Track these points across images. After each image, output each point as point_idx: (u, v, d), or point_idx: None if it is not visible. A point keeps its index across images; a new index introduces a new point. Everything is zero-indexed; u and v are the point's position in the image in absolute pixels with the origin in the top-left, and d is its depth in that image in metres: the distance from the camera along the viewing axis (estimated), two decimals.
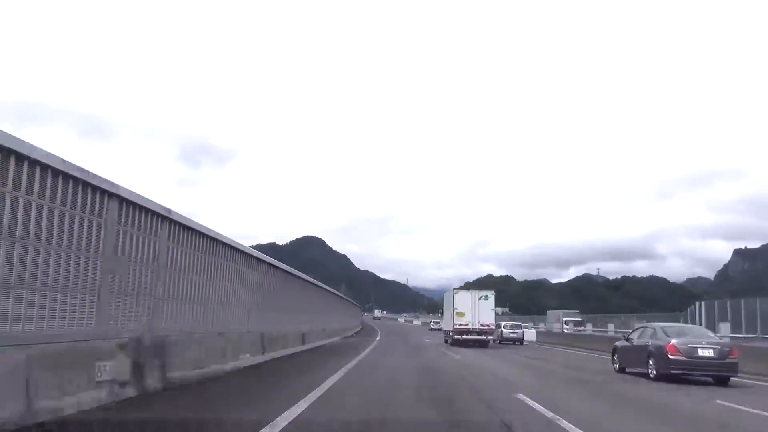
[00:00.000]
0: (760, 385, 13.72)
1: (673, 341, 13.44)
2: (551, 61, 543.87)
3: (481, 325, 28.51)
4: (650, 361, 13.98)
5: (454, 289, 30.62)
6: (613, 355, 16.92)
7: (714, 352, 13.16)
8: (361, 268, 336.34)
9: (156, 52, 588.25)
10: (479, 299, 28.90)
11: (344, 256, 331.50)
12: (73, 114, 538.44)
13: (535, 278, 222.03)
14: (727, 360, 13.16)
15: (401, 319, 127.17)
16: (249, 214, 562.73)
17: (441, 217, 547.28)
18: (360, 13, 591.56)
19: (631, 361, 15.40)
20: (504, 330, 36.16)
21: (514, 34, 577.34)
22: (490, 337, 29.52)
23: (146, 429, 5.74)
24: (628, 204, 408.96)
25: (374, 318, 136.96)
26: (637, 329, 16.86)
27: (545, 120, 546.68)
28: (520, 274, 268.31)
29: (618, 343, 16.88)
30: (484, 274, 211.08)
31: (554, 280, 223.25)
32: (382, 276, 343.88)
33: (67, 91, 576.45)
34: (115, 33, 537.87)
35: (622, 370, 15.83)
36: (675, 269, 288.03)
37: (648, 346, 14.35)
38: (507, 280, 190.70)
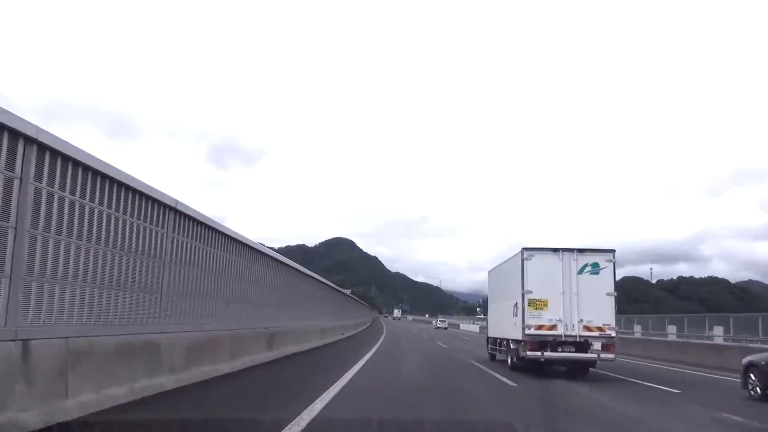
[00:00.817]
0: None
1: None
2: (587, 59, 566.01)
3: (587, 329, 13.78)
4: None
5: (524, 249, 14.34)
6: (746, 376, 11.45)
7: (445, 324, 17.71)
8: (392, 271, 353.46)
9: (187, 54, 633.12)
10: (580, 272, 14.09)
11: (375, 258, 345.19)
12: (99, 111, 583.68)
13: None
14: None
15: (439, 323, 77.26)
16: (277, 216, 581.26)
17: (474, 220, 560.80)
18: (394, 13, 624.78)
19: None
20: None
21: (551, 34, 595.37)
22: (606, 356, 13.86)
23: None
24: (669, 204, 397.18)
25: (393, 318, 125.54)
26: None
27: (583, 119, 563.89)
28: None
29: (755, 359, 11.32)
30: None
31: None
32: (414, 279, 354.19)
33: (94, 90, 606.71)
34: (147, 36, 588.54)
35: (764, 398, 10.79)
36: (720, 272, 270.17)
37: None
38: None
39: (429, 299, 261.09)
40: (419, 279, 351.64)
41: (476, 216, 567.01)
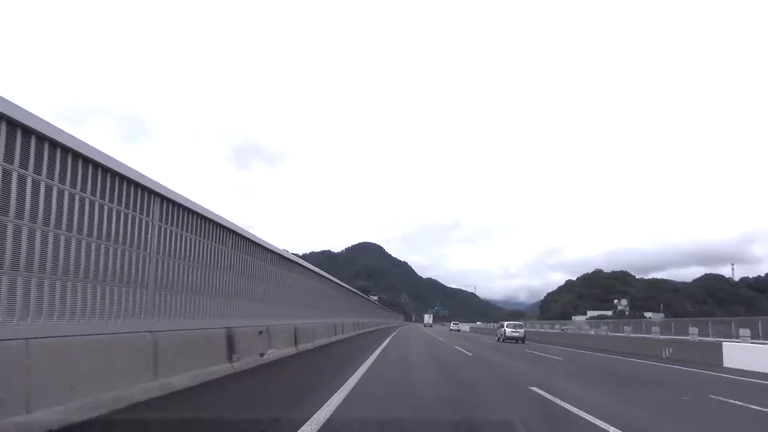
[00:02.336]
0: None
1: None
2: (625, 58, 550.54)
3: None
4: None
5: None
6: None
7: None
8: (424, 277, 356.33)
9: (210, 54, 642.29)
10: None
11: (405, 264, 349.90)
12: (115, 113, 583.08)
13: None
14: None
15: (452, 326, 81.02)
16: (302, 221, 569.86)
17: (508, 224, 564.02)
18: (427, 11, 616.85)
19: None
20: (507, 329, 39.09)
21: (591, 38, 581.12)
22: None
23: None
24: (716, 202, 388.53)
25: (425, 325, 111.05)
26: None
27: (615, 117, 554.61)
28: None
29: None
30: (554, 285, 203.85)
31: None
32: (448, 285, 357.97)
33: (110, 91, 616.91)
34: (170, 39, 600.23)
35: None
36: None
37: None
38: (623, 276, 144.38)
39: (463, 306, 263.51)
40: (453, 285, 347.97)
41: (510, 220, 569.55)
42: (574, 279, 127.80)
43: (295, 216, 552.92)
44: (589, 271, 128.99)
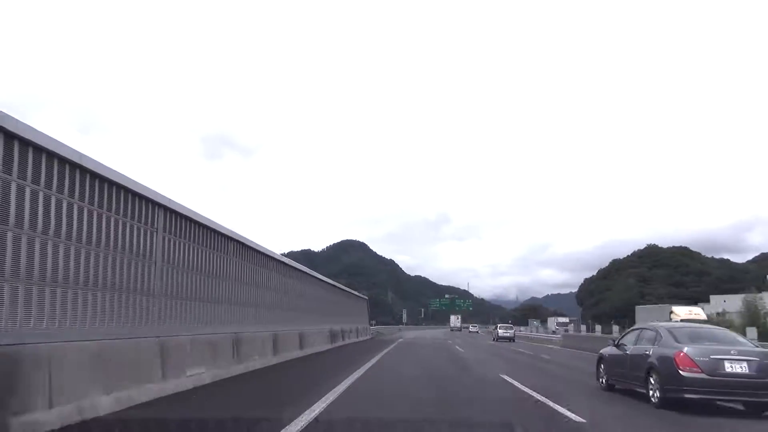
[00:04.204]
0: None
1: (687, 349, 10.12)
2: (609, 52, 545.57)
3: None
4: (651, 379, 10.63)
5: None
6: (598, 366, 13.58)
7: (749, 367, 9.80)
8: (412, 275, 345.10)
9: (184, 46, 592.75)
10: None
11: (391, 262, 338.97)
12: (70, 104, 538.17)
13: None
14: None
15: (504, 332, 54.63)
16: (278, 219, 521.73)
17: (496, 221, 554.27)
18: (408, 4, 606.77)
19: (623, 376, 12.18)
20: (499, 331, 50.23)
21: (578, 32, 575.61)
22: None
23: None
24: (708, 191, 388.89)
25: (452, 329, 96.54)
26: (632, 330, 13.24)
27: (603, 110, 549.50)
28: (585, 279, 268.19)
29: (605, 350, 13.46)
30: (543, 282, 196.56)
31: None
32: (438, 283, 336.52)
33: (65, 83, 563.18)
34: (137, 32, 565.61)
35: (609, 388, 12.71)
36: None
37: (648, 356, 10.96)
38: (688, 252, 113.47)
39: (455, 305, 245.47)
40: (443, 283, 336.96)
41: (499, 215, 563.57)
42: (623, 258, 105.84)
43: (272, 214, 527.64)
44: (640, 247, 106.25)
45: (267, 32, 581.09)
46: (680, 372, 9.87)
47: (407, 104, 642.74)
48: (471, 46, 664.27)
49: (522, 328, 76.23)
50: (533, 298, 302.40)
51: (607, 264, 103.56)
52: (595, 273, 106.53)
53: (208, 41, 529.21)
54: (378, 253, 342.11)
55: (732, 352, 10.00)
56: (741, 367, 9.73)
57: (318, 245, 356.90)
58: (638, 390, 11.20)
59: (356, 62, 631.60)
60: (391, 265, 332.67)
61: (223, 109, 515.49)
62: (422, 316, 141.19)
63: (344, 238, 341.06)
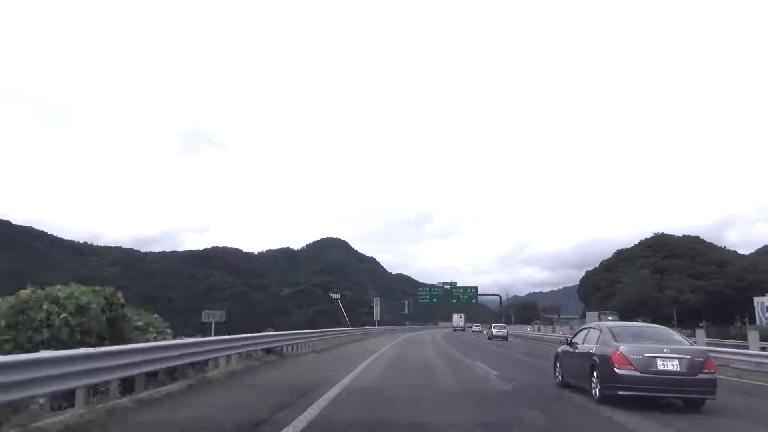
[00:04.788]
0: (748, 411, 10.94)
1: (623, 348, 10.64)
2: (594, 52, 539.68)
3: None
4: (593, 376, 11.15)
5: None
6: (554, 363, 14.28)
7: (680, 365, 10.36)
8: (393, 273, 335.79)
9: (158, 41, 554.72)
10: None
11: (373, 260, 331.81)
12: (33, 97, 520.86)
13: None
14: (700, 376, 10.31)
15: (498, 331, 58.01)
16: (257, 218, 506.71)
17: (478, 218, 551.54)
18: (392, 3, 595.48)
19: (574, 373, 12.59)
20: (494, 330, 55.98)
21: (556, 27, 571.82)
22: None
23: None
24: (689, 189, 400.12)
25: (455, 329, 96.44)
26: (582, 330, 13.55)
27: (585, 110, 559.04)
28: (567, 277, 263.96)
29: (560, 349, 14.05)
30: (524, 280, 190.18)
31: None
32: (420, 281, 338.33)
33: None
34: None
35: (566, 385, 13.12)
36: None
37: (591, 354, 11.43)
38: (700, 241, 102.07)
39: (438, 304, 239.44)
40: (425, 281, 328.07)
41: (480, 214, 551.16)
42: (629, 248, 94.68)
43: (252, 211, 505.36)
44: (647, 236, 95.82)
45: (246, 24, 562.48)
46: (615, 369, 10.41)
47: (390, 102, 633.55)
48: (453, 44, 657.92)
49: (527, 328, 78.11)
50: (515, 297, 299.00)
51: (611, 255, 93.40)
52: (597, 265, 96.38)
53: (185, 32, 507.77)
54: (359, 251, 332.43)
55: (665, 350, 10.46)
56: (672, 365, 10.25)
57: (298, 243, 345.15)
58: (585, 387, 11.58)
59: (339, 56, 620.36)
60: (372, 264, 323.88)
61: (200, 102, 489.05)
62: (405, 311, 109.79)
63: (325, 236, 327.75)
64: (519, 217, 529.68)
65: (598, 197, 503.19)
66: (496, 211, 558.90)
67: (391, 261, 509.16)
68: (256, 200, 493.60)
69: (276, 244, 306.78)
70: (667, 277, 73.72)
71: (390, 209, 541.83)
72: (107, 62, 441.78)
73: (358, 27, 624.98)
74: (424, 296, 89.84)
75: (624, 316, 53.13)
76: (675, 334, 11.99)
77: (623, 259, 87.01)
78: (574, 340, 13.13)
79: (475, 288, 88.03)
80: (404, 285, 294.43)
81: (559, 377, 13.71)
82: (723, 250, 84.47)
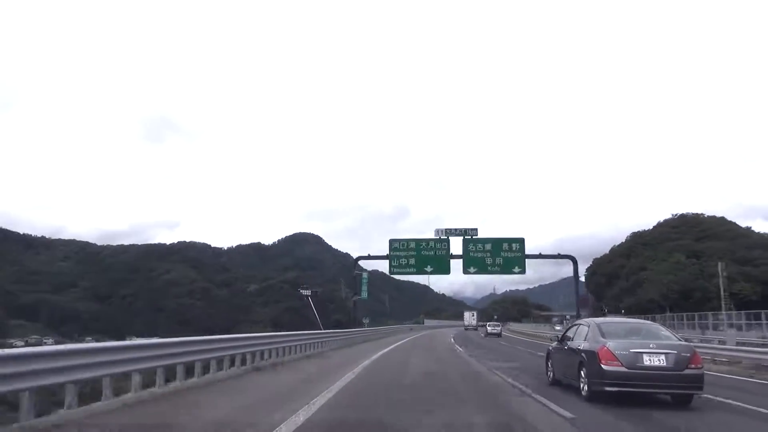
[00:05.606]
0: (742, 407, 10.92)
1: (610, 344, 10.56)
2: (573, 51, 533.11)
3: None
4: (582, 373, 11.15)
5: None
6: (546, 361, 14.33)
7: (666, 360, 10.26)
8: (370, 269, 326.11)
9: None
10: None
11: (347, 255, 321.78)
12: None
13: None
14: (687, 371, 10.27)
15: (492, 329, 61.90)
16: (225, 213, 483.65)
17: (454, 214, 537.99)
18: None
19: (564, 370, 12.65)
20: (488, 328, 61.36)
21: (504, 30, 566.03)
22: None
23: None
24: (666, 185, 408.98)
25: (466, 328, 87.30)
26: (572, 326, 13.49)
27: (560, 107, 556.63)
28: (544, 275, 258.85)
29: (551, 346, 14.19)
30: (499, 278, 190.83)
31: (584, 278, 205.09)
32: (397, 278, 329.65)
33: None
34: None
35: (556, 383, 13.14)
36: None
37: (580, 351, 11.45)
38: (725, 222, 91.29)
39: (417, 301, 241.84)
40: (402, 278, 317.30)
41: (457, 209, 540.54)
42: (646, 230, 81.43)
43: (221, 205, 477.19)
44: (672, 215, 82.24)
45: (214, 7, 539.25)
46: (602, 366, 10.33)
47: (364, 95, 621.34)
48: (425, 36, 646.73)
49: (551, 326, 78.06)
50: (491, 294, 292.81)
51: (624, 239, 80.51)
52: (607, 251, 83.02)
53: (149, 14, 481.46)
54: (334, 247, 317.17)
55: (651, 345, 10.41)
56: (659, 360, 10.23)
57: (269, 238, 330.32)
58: (575, 384, 11.51)
59: (310, 45, 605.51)
60: (346, 260, 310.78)
61: (164, 88, 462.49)
62: (357, 295, 54.26)
63: (297, 232, 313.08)
64: (497, 214, 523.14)
65: (577, 195, 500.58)
66: (473, 208, 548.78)
67: (364, 253, 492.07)
68: (227, 195, 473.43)
69: (247, 240, 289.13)
70: (710, 262, 59.96)
71: (366, 204, 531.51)
72: (63, 43, 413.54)
73: (329, 14, 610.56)
74: (400, 250, 44.07)
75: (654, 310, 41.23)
76: (663, 330, 11.98)
77: (643, 243, 73.66)
78: (565, 336, 13.16)
79: (521, 240, 43.46)
80: (380, 282, 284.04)
81: (551, 375, 13.71)
82: (762, 234, 71.63)
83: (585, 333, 11.72)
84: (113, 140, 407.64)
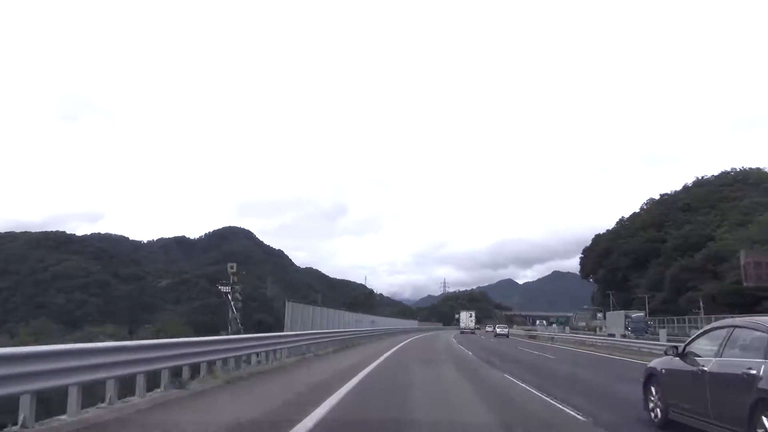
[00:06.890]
0: None
1: None
2: (520, 50, 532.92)
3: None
4: (763, 420, 5.75)
5: None
6: (646, 388, 8.86)
7: None
8: (302, 267, 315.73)
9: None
10: None
11: (280, 252, 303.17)
12: None
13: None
14: None
15: (501, 330, 70.79)
16: (151, 204, 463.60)
17: (394, 214, 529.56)
18: None
19: (697, 408, 7.22)
20: (497, 329, 68.83)
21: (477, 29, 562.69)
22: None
23: None
24: (598, 191, 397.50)
25: (462, 331, 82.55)
26: (711, 330, 7.81)
27: (501, 110, 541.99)
28: (481, 277, 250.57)
29: (658, 363, 8.74)
30: (438, 280, 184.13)
31: (519, 281, 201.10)
32: (332, 276, 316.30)
33: None
34: None
35: (667, 424, 8.00)
36: None
37: (754, 377, 5.97)
38: None
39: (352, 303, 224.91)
40: (338, 277, 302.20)
41: (396, 210, 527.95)
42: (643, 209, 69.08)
43: (146, 198, 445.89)
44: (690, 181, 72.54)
45: None
46: None
47: (305, 84, 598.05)
48: (376, 31, 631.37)
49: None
50: (429, 296, 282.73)
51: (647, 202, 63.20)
52: (604, 231, 66.84)
53: None
54: (265, 242, 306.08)
55: None
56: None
57: (196, 232, 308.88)
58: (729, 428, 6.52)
59: (247, 24, 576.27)
60: (279, 257, 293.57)
61: (79, 63, 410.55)
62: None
63: (227, 225, 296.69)
64: (435, 216, 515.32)
65: (512, 199, 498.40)
66: (412, 208, 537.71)
67: (304, 258, 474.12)
68: (153, 187, 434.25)
69: (170, 233, 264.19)
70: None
71: (303, 201, 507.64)
72: None
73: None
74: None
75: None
76: None
77: (665, 211, 55.46)
78: (691, 350, 7.82)
79: None
80: (313, 281, 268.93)
81: (658, 412, 8.36)
82: None
83: (762, 344, 6.17)
84: (25, 119, 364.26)
